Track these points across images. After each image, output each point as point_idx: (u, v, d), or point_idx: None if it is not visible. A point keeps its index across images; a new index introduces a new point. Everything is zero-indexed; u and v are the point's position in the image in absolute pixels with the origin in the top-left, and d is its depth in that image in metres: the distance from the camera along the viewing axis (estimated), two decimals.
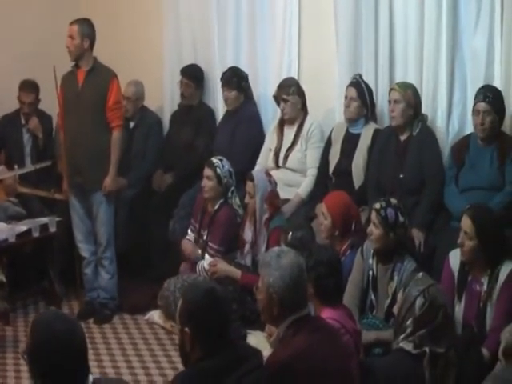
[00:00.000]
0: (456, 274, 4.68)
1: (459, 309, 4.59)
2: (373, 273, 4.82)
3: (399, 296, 3.95)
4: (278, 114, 6.49)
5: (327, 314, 4.03)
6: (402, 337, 3.73)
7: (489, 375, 2.39)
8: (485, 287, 4.56)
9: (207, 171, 5.95)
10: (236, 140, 6.61)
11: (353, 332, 4.08)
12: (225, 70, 6.78)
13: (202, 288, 3.36)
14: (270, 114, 6.80)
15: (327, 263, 4.21)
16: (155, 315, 6.16)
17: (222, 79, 6.73)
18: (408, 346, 3.70)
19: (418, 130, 5.71)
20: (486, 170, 5.43)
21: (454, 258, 4.72)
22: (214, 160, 5.97)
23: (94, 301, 6.31)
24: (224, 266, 5.68)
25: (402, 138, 5.78)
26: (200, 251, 5.99)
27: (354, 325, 4.23)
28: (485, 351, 4.20)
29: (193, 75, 7.08)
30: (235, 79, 6.66)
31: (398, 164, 5.71)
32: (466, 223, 4.58)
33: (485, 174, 5.43)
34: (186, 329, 3.24)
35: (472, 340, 4.35)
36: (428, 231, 5.46)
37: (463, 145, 5.59)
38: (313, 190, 6.20)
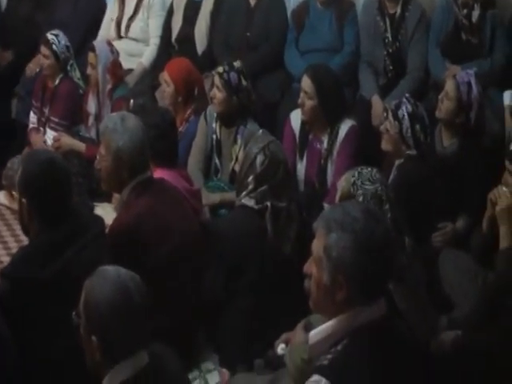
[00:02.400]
0: (297, 134, 4.79)
1: (301, 167, 4.73)
2: (216, 136, 4.88)
3: (240, 154, 4.00)
4: None
5: (159, 174, 4.05)
6: (244, 193, 3.78)
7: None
8: (325, 145, 4.70)
9: (43, 49, 5.75)
10: (77, 10, 6.42)
11: (186, 192, 4.13)
12: None
13: (39, 158, 3.29)
14: None
15: (157, 126, 4.19)
16: (0, 196, 6.01)
17: None
18: (250, 202, 3.76)
19: None
20: (325, 32, 5.55)
21: (295, 118, 4.81)
22: (50, 36, 5.75)
23: None
24: (68, 140, 5.58)
25: (252, 2, 5.81)
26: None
27: (189, 186, 4.29)
28: (326, 206, 4.34)
29: None
30: None
31: (247, 24, 5.76)
32: (305, 83, 4.65)
33: (324, 36, 5.54)
34: (23, 199, 3.18)
35: (314, 196, 4.49)
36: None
37: (303, 8, 5.66)
38: (156, 58, 6.16)
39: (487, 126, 4.71)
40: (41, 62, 5.81)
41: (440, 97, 4.58)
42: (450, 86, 4.55)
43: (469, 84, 4.52)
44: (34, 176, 3.18)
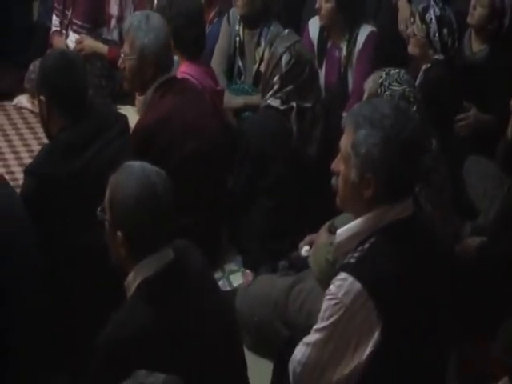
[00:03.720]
0: (315, 43, 4.72)
1: (320, 75, 4.63)
2: (239, 39, 4.82)
3: (265, 54, 3.97)
4: None
5: (185, 68, 4.03)
6: (269, 94, 3.76)
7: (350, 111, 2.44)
8: (344, 52, 4.64)
9: None
10: None
11: (210, 90, 4.12)
12: None
13: (53, 53, 3.32)
14: None
15: (186, 14, 4.17)
16: (23, 100, 5.96)
17: None
18: (276, 103, 3.74)
19: None
20: None
21: (314, 26, 4.74)
22: None
23: None
24: (90, 43, 5.51)
25: None
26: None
27: (214, 84, 4.27)
28: (345, 114, 4.29)
29: None
30: None
31: None
32: None
33: None
34: (42, 96, 3.17)
35: (334, 100, 4.44)
36: None
37: None
38: None
39: None
40: None
41: (472, 3, 4.48)
42: None
43: None
44: (48, 70, 3.19)
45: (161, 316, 2.39)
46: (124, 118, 3.35)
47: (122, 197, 2.43)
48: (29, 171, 3.15)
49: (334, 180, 2.46)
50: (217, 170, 3.73)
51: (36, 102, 5.33)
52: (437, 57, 4.19)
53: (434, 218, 3.25)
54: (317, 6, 4.58)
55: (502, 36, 4.44)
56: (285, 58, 3.72)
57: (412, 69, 4.34)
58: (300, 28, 5.07)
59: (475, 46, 4.51)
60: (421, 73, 4.23)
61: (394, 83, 3.32)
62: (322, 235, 3.20)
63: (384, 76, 3.34)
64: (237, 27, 4.83)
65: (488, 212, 3.84)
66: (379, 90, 3.31)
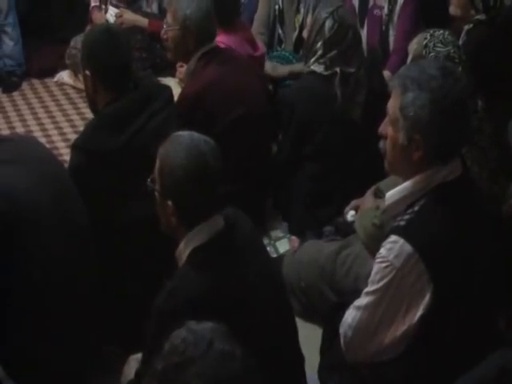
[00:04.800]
0: (356, 4, 4.71)
1: (362, 35, 4.62)
2: (279, 6, 4.81)
3: (308, 19, 3.95)
4: None
5: (220, 38, 4.02)
6: (312, 60, 3.74)
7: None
8: (385, 10, 4.63)
9: None
10: None
11: (248, 58, 4.13)
12: None
13: (97, 28, 3.33)
14: None
15: None
16: (65, 75, 6.04)
17: None
18: (319, 68, 3.72)
19: None
20: None
21: None
22: None
23: (0, 70, 6.12)
24: (130, 16, 5.53)
25: None
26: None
27: (252, 51, 4.27)
28: (386, 73, 4.29)
29: None
30: None
31: None
32: None
33: None
34: (87, 71, 3.17)
35: (376, 61, 4.41)
36: None
37: None
38: None
39: None
40: None
41: None
42: None
43: None
44: (93, 44, 3.19)
45: (213, 283, 2.41)
46: (168, 89, 3.36)
47: (172, 166, 2.44)
48: (76, 146, 3.16)
49: (381, 143, 2.46)
50: (261, 137, 3.74)
51: (79, 77, 5.41)
52: (479, 17, 4.13)
53: (480, 179, 3.24)
54: None
55: None
56: (328, 24, 3.70)
57: (453, 29, 4.30)
58: None
59: None
60: (463, 34, 4.17)
61: (438, 44, 3.29)
62: (368, 200, 3.20)
63: (428, 37, 3.31)
64: None
65: None
66: (424, 52, 3.29)
